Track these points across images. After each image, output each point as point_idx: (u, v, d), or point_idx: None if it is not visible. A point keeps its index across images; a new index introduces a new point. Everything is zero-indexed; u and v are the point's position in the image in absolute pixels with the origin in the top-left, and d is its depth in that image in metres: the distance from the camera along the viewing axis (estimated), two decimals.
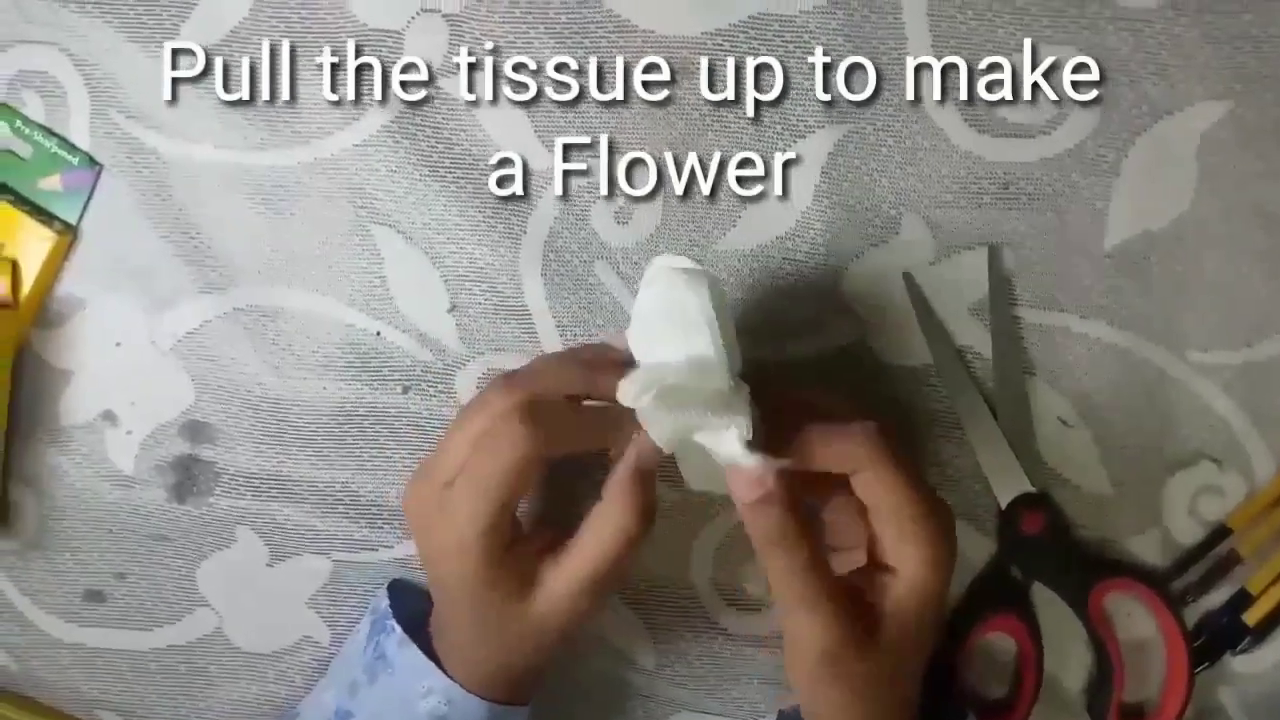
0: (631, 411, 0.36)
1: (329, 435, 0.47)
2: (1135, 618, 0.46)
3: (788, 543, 0.36)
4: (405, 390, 0.46)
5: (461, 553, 0.37)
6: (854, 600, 0.37)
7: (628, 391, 0.36)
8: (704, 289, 0.37)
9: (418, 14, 0.45)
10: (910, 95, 0.44)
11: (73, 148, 0.46)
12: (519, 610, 0.38)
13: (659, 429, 0.36)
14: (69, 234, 0.46)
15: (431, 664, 0.40)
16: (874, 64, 0.44)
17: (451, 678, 0.39)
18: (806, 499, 0.37)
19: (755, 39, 0.44)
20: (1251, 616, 0.45)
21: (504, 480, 0.36)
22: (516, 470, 0.36)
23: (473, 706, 0.39)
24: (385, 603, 0.43)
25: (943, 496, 0.38)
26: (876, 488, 0.37)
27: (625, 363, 0.39)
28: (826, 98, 0.44)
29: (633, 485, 0.37)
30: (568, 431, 0.38)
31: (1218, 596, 0.46)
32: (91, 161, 0.46)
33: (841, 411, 0.39)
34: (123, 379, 0.47)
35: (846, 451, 0.37)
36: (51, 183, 0.46)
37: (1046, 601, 0.45)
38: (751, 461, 0.35)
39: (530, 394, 0.37)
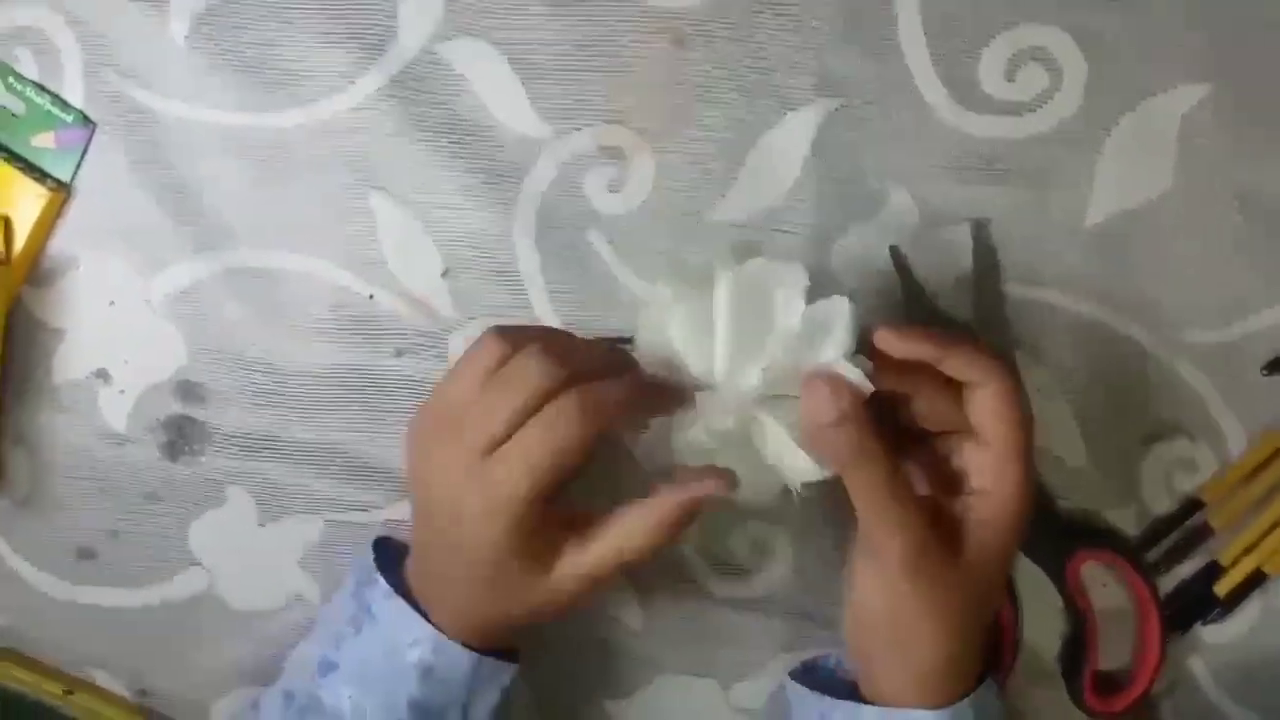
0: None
1: (321, 397, 0.47)
2: (1110, 587, 0.47)
3: (867, 459, 0.37)
4: (398, 354, 0.47)
5: (491, 520, 0.37)
6: (939, 518, 0.39)
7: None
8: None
9: None
10: (899, 72, 0.45)
11: (66, 105, 0.46)
12: (534, 580, 0.39)
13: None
14: (62, 192, 0.47)
15: (418, 615, 0.40)
16: (864, 39, 0.45)
17: (438, 628, 0.40)
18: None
19: (749, 10, 0.45)
20: (1222, 588, 0.46)
21: (557, 462, 0.37)
22: (571, 453, 0.37)
23: (460, 657, 0.40)
24: (370, 556, 0.43)
25: None
26: (994, 405, 0.38)
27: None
28: (817, 72, 0.45)
29: (684, 509, 0.38)
30: (619, 402, 0.38)
31: (1190, 567, 0.47)
32: (85, 119, 0.46)
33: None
34: (116, 338, 0.47)
35: (983, 365, 0.38)
36: (45, 140, 0.46)
37: (1025, 570, 0.47)
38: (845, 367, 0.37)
39: (573, 374, 0.37)
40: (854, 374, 0.38)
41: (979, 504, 0.39)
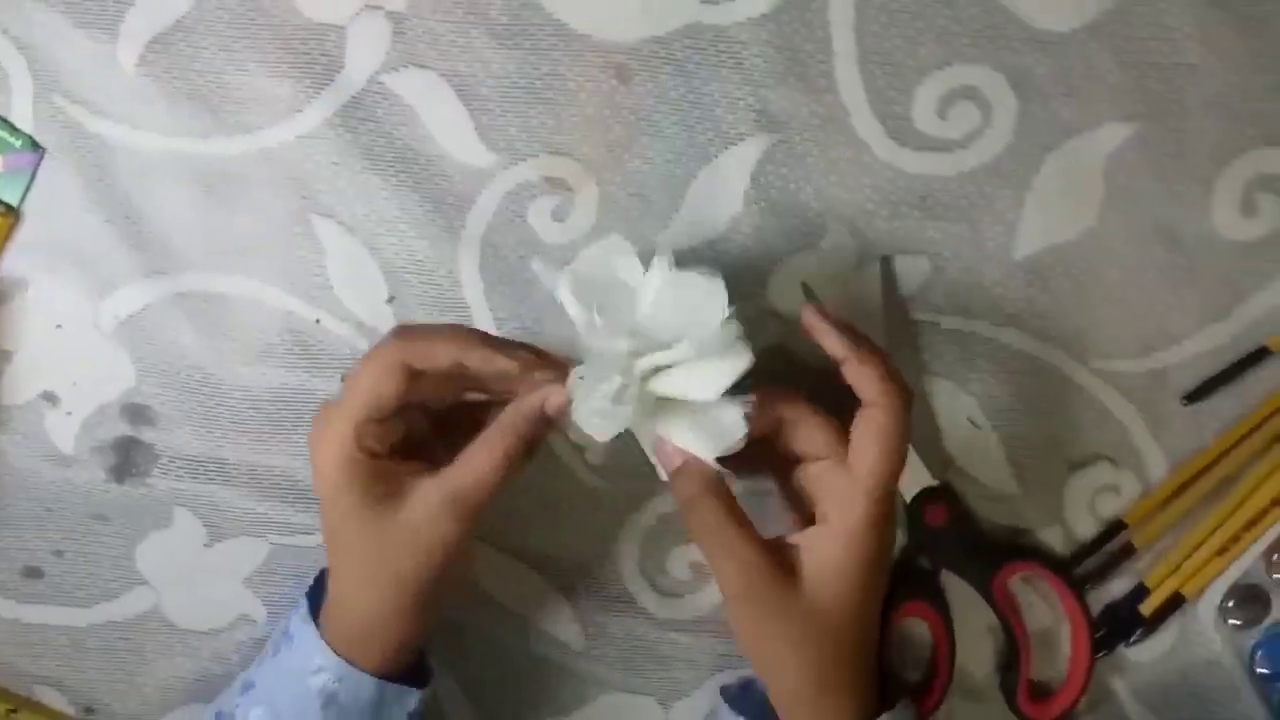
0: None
1: (268, 420, 0.48)
2: (1039, 604, 0.49)
3: (702, 500, 0.40)
4: (343, 378, 0.48)
5: (329, 466, 0.39)
6: (776, 549, 0.40)
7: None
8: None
9: (361, 10, 0.46)
10: (836, 108, 0.46)
11: (15, 130, 0.46)
12: (391, 519, 0.39)
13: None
14: (11, 216, 0.47)
15: (321, 642, 0.41)
16: (802, 76, 0.46)
17: (346, 656, 0.40)
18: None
19: (690, 47, 0.46)
20: (1147, 608, 0.48)
21: (371, 395, 0.39)
22: (375, 384, 0.39)
23: (364, 684, 0.40)
24: (310, 582, 0.44)
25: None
26: (874, 429, 0.40)
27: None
28: (757, 107, 0.46)
29: (532, 422, 0.40)
30: (431, 344, 0.39)
31: (1117, 586, 0.49)
32: (34, 144, 0.47)
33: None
34: (64, 360, 0.48)
35: (882, 388, 0.40)
36: None
37: (956, 588, 0.48)
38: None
39: (417, 358, 0.39)
40: (733, 416, 0.39)
41: (823, 535, 0.40)
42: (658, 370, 0.40)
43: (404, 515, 0.39)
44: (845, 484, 0.40)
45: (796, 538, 0.41)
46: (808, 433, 0.41)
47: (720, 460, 0.40)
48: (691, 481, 0.40)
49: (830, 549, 0.40)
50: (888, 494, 0.40)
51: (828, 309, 0.42)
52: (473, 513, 0.39)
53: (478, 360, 0.39)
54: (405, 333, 0.40)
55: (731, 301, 0.39)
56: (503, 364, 0.40)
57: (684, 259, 0.46)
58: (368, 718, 0.41)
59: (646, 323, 0.40)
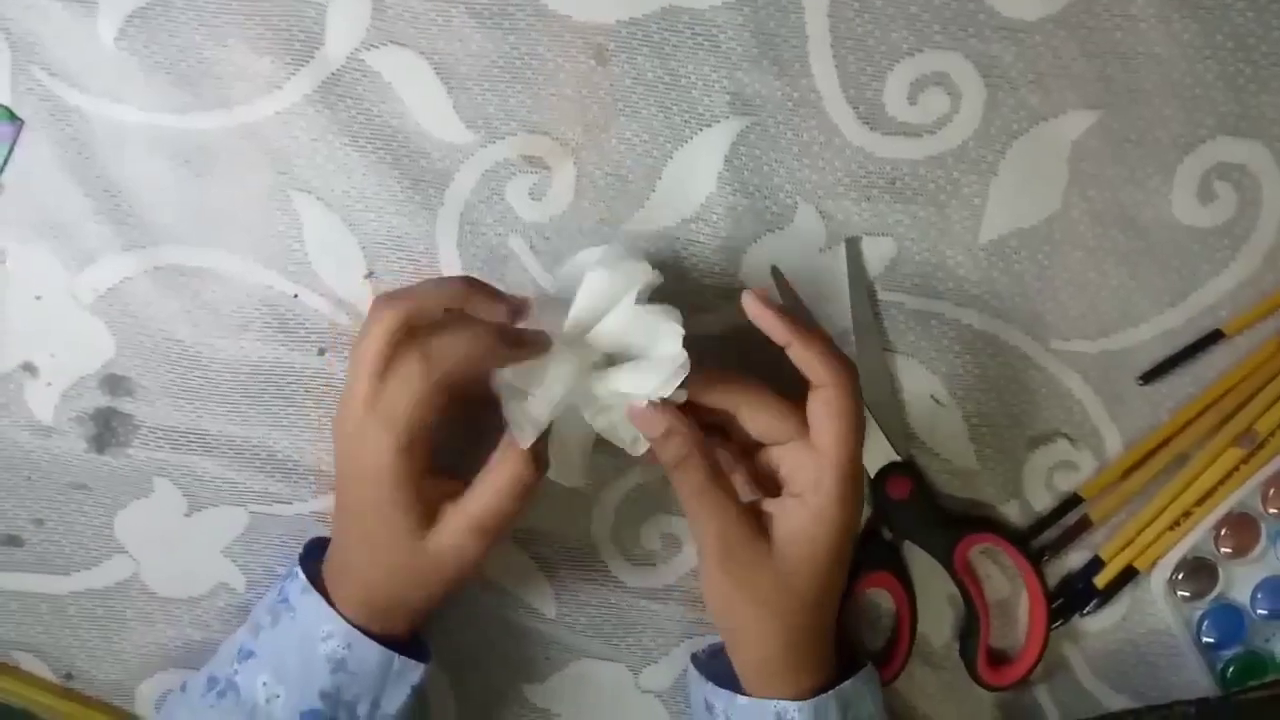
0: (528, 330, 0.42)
1: (246, 392, 0.49)
2: (998, 575, 0.50)
3: (687, 461, 0.41)
4: (321, 352, 0.48)
5: (374, 478, 0.40)
6: (752, 515, 0.42)
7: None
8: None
9: None
10: (809, 92, 0.47)
11: None
12: (417, 545, 0.41)
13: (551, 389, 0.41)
14: None
15: (332, 610, 0.42)
16: (776, 60, 0.47)
17: (350, 622, 0.42)
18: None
19: (667, 29, 0.47)
20: (1101, 580, 0.50)
21: (411, 407, 0.39)
22: (420, 403, 0.39)
23: (371, 651, 0.42)
24: (300, 553, 0.45)
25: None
26: (828, 410, 0.41)
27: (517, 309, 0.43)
28: (732, 90, 0.47)
29: (520, 471, 0.41)
30: (460, 353, 0.40)
31: (1073, 559, 0.50)
32: (12, 116, 0.47)
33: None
34: (43, 331, 0.48)
35: (828, 367, 0.41)
36: None
37: (918, 559, 0.50)
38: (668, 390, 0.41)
39: (414, 308, 0.40)
40: (669, 348, 0.41)
41: (795, 507, 0.42)
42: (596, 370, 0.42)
43: (434, 542, 0.41)
44: (812, 462, 0.41)
45: (771, 505, 0.42)
46: (769, 418, 0.43)
47: None
48: (678, 444, 0.41)
49: (801, 520, 0.41)
50: (854, 467, 0.41)
51: (767, 295, 0.42)
52: (496, 533, 0.42)
53: (472, 302, 0.42)
54: (396, 304, 0.40)
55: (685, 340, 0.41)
56: (491, 302, 0.42)
57: (659, 238, 0.48)
58: (375, 684, 0.42)
59: (603, 341, 0.42)
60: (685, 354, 0.41)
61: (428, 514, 0.41)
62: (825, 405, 0.41)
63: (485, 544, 0.41)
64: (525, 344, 0.41)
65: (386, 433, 0.40)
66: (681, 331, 0.41)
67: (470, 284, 0.42)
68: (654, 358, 0.42)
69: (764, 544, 0.41)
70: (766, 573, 0.41)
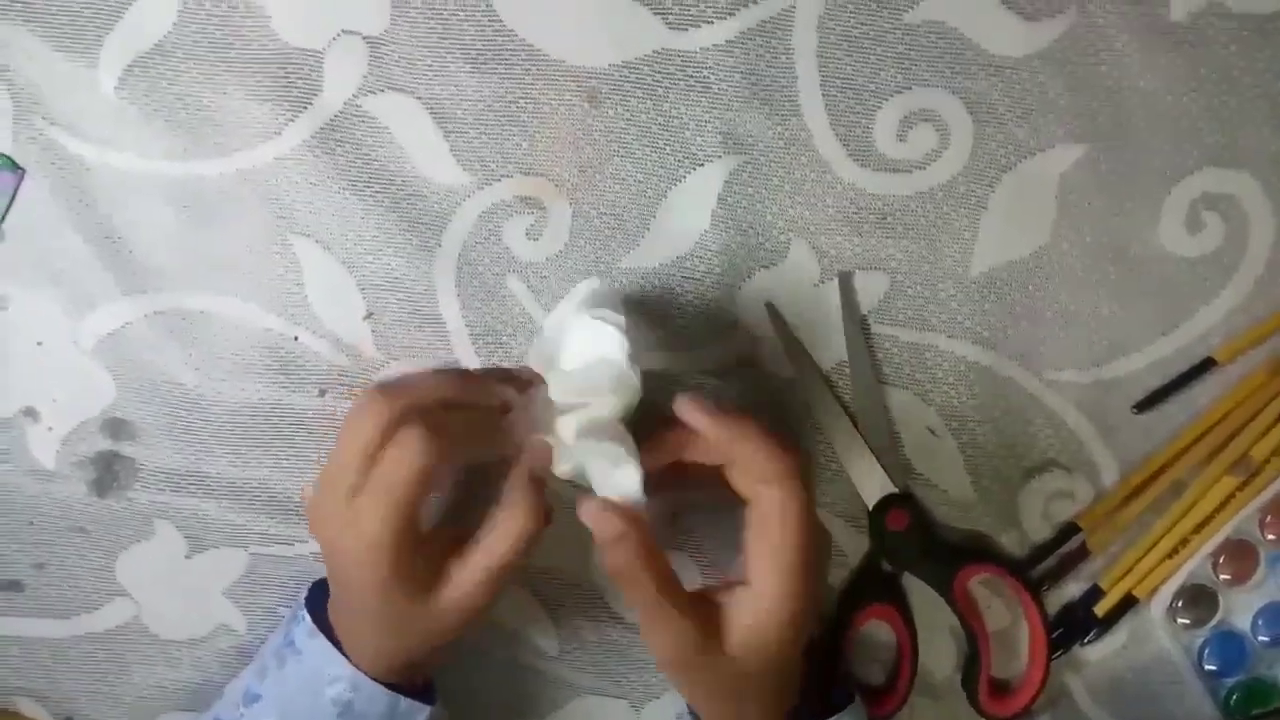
0: (523, 418, 0.41)
1: (247, 434, 0.49)
2: (998, 605, 0.50)
3: (636, 575, 0.40)
4: (322, 393, 0.49)
5: (371, 559, 0.39)
6: (704, 614, 0.41)
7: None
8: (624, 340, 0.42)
9: (338, 35, 0.47)
10: (800, 131, 0.48)
11: None
12: (424, 608, 0.41)
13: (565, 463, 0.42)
14: None
15: (339, 654, 0.42)
16: (767, 100, 0.48)
17: (356, 666, 0.42)
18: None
19: (658, 71, 0.47)
20: (1101, 609, 0.50)
21: (408, 488, 0.38)
22: (419, 477, 0.38)
23: (378, 695, 0.42)
24: (304, 594, 0.45)
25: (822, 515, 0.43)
26: (774, 507, 0.40)
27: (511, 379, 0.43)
28: (723, 130, 0.48)
29: (530, 490, 0.41)
30: (459, 439, 0.40)
31: (1073, 588, 0.50)
32: (14, 165, 0.47)
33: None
34: (44, 377, 0.48)
35: (771, 468, 0.40)
36: None
37: (918, 590, 0.50)
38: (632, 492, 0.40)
39: (412, 401, 0.40)
40: (630, 482, 0.41)
41: (745, 599, 0.41)
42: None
43: (442, 601, 0.40)
44: (766, 551, 0.40)
45: (723, 596, 0.41)
46: (737, 478, 0.42)
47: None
48: (622, 554, 0.40)
49: (752, 613, 0.40)
50: (805, 559, 0.40)
51: (699, 399, 0.42)
52: (508, 579, 0.41)
53: (470, 391, 0.41)
54: (396, 395, 0.40)
55: (629, 344, 0.42)
56: (490, 389, 0.41)
57: (654, 276, 0.48)
58: None
59: (568, 370, 0.43)
60: (638, 469, 0.41)
61: (429, 580, 0.40)
62: (772, 504, 0.40)
63: (495, 594, 0.41)
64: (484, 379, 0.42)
65: (381, 514, 0.39)
66: (622, 339, 0.41)
67: (466, 376, 0.41)
68: (615, 453, 0.41)
69: (716, 641, 0.40)
70: (720, 667, 0.41)
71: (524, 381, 0.43)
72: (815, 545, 0.41)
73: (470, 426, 0.41)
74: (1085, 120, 0.48)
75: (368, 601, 0.40)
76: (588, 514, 0.40)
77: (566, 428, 0.42)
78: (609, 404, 0.42)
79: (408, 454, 0.38)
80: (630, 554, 0.40)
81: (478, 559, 0.41)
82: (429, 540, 0.41)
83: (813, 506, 0.41)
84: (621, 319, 0.42)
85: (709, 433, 0.41)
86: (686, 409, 0.41)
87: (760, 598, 0.40)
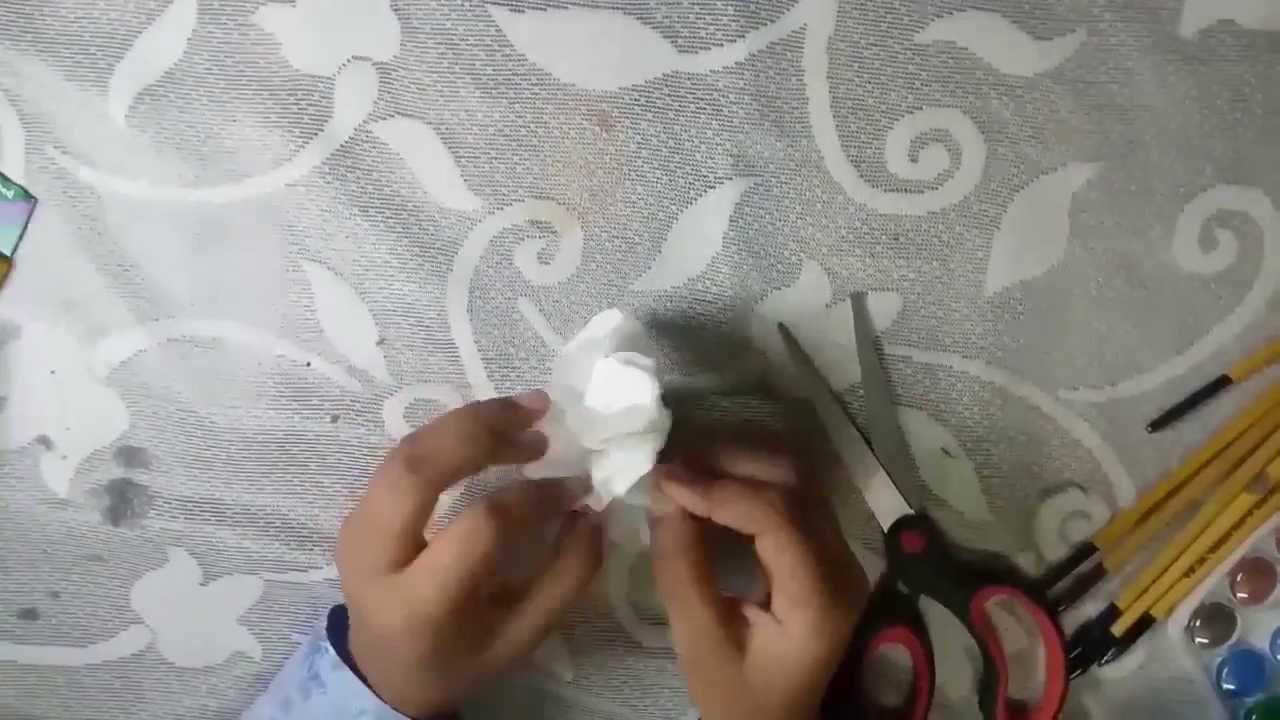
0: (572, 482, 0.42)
1: (260, 461, 0.49)
2: (1015, 626, 0.50)
3: (675, 552, 0.41)
4: (334, 419, 0.49)
5: (411, 636, 0.39)
6: (731, 618, 0.41)
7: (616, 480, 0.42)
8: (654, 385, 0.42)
9: (349, 61, 0.47)
10: (811, 152, 0.48)
11: (7, 181, 0.47)
12: (472, 660, 0.41)
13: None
14: (4, 265, 0.48)
15: (365, 687, 0.42)
16: (777, 122, 0.47)
17: (382, 698, 0.42)
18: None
19: (669, 95, 0.47)
20: (1118, 628, 0.50)
21: (471, 573, 0.38)
22: (483, 563, 0.38)
23: None
24: (323, 625, 0.45)
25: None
26: (772, 554, 0.40)
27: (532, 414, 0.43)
28: (734, 152, 0.48)
29: (590, 540, 0.42)
30: (519, 519, 0.39)
31: (1090, 608, 0.50)
32: (26, 195, 0.47)
33: (762, 465, 0.43)
34: (58, 405, 0.48)
35: (748, 514, 0.40)
36: None
37: (934, 612, 0.50)
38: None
39: (438, 488, 0.39)
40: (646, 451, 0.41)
41: (771, 632, 0.40)
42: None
43: (489, 657, 0.41)
44: (780, 591, 0.40)
45: (752, 614, 0.41)
46: (730, 517, 0.41)
47: None
48: (670, 536, 0.41)
49: (776, 641, 0.40)
50: (819, 609, 0.40)
51: (677, 469, 0.42)
52: (548, 634, 0.42)
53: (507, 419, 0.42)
54: (419, 464, 0.39)
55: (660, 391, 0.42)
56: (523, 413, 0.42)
57: (666, 298, 0.48)
58: None
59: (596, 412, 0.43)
60: (662, 418, 0.41)
61: (480, 638, 0.40)
62: (769, 549, 0.40)
63: (542, 641, 0.41)
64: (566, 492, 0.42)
65: (434, 595, 0.38)
66: (653, 384, 0.41)
67: (492, 435, 0.41)
68: (633, 427, 0.41)
69: (737, 655, 0.40)
70: (737, 684, 0.40)
71: (533, 411, 0.43)
72: (830, 580, 0.40)
73: (525, 500, 0.40)
74: (1097, 139, 0.48)
75: (407, 666, 0.40)
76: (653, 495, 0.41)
77: (600, 469, 0.42)
78: (642, 451, 0.42)
79: (469, 539, 0.38)
80: (673, 533, 0.41)
81: (535, 613, 0.41)
82: (475, 604, 0.40)
83: (819, 541, 0.40)
84: (651, 362, 0.42)
85: (691, 508, 0.41)
86: (666, 488, 0.42)
87: (787, 627, 0.40)
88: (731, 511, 0.41)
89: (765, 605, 0.41)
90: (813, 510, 0.42)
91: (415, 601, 0.38)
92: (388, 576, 0.39)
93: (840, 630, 0.40)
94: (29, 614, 0.50)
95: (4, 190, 0.47)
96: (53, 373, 0.48)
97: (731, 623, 0.41)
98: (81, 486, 0.49)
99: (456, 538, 0.38)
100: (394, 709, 0.42)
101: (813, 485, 0.43)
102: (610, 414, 0.42)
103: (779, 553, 0.40)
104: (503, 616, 0.41)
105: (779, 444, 0.47)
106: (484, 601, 0.41)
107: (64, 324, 0.48)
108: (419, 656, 0.39)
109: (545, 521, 0.42)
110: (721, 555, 0.42)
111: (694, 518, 0.42)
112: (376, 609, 0.39)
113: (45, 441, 0.49)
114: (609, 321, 0.43)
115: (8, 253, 0.48)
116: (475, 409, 0.43)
